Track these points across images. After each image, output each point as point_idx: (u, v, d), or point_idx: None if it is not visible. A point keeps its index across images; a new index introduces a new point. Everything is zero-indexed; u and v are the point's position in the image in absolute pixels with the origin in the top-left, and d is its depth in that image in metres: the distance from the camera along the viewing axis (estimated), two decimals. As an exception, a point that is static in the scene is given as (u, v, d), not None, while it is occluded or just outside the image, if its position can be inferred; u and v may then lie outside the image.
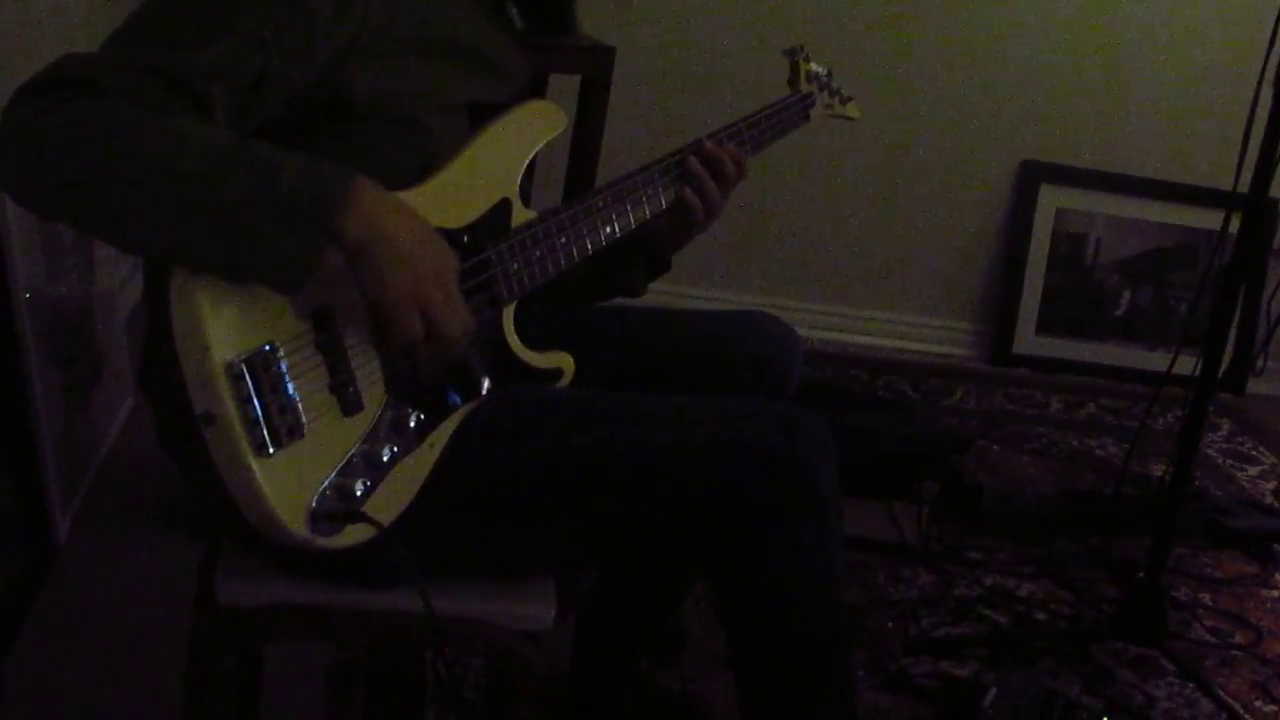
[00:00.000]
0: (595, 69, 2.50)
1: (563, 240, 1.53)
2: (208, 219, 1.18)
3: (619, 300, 1.78)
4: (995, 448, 3.25)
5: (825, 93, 1.95)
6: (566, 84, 2.51)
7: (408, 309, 1.27)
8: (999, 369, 3.84)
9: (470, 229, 1.44)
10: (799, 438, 1.45)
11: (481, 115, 1.50)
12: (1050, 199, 3.83)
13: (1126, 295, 3.89)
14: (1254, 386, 3.86)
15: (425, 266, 1.28)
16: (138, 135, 1.17)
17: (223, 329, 1.21)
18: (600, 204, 1.58)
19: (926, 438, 2.90)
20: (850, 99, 2.02)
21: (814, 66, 1.94)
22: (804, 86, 1.91)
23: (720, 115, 1.80)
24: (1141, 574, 2.33)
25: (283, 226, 1.19)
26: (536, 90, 1.65)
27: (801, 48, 1.93)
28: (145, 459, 2.47)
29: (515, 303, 1.52)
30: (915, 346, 3.90)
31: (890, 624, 2.41)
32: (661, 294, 1.78)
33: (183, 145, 1.18)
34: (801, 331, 1.81)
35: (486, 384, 1.48)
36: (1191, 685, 2.32)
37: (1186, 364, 2.30)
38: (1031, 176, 3.82)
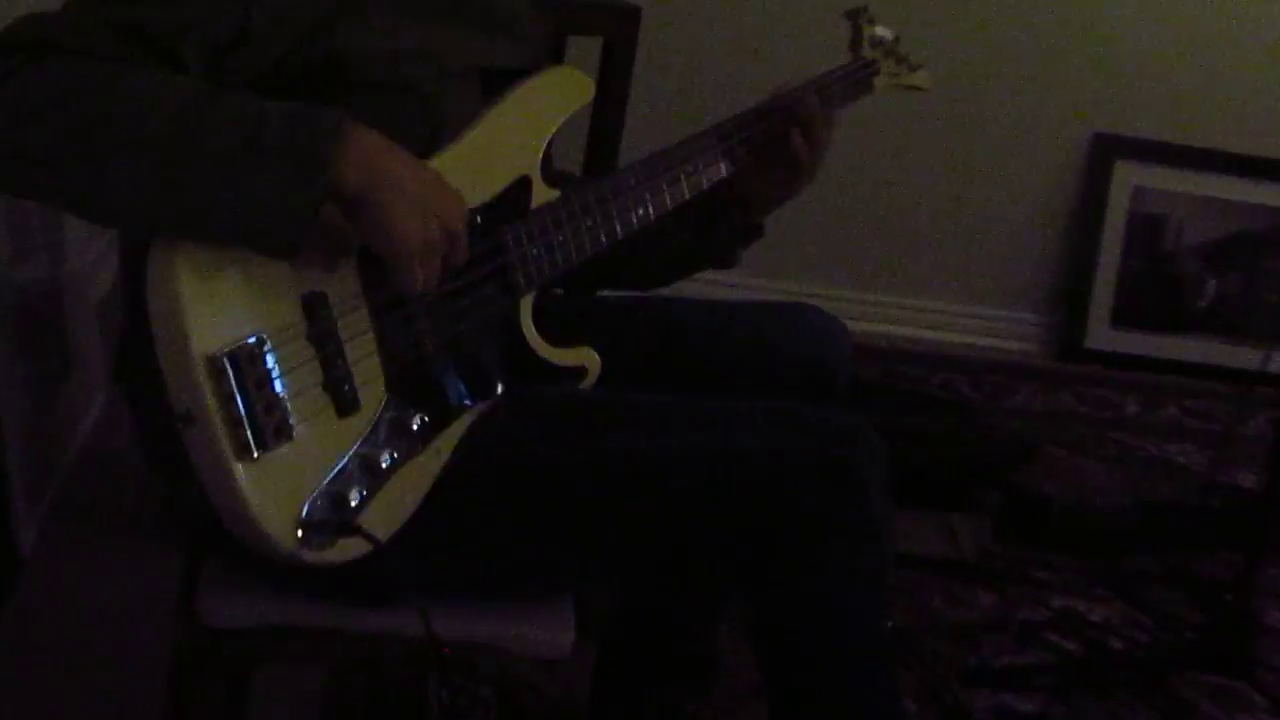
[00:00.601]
0: (619, 31, 2.50)
1: (589, 223, 1.53)
2: (187, 180, 1.19)
3: (648, 290, 1.78)
4: (1064, 454, 3.23)
5: (891, 60, 1.94)
6: (584, 49, 2.51)
7: (410, 258, 1.29)
8: (1068, 366, 3.82)
9: (485, 209, 1.43)
10: (848, 445, 1.45)
11: (496, 83, 1.49)
12: (1125, 176, 3.81)
13: (1211, 284, 3.86)
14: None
15: (432, 211, 1.29)
16: (104, 96, 1.18)
17: (205, 317, 1.21)
18: (633, 181, 1.57)
19: (987, 443, 2.89)
20: (919, 66, 1.99)
21: (879, 30, 1.92)
22: (867, 52, 1.90)
23: (762, 86, 1.79)
24: (1228, 596, 2.32)
25: (271, 181, 1.20)
26: (555, 55, 1.64)
27: (865, 8, 1.92)
28: (119, 460, 2.47)
29: (534, 293, 1.51)
30: (974, 341, 3.88)
31: (946, 651, 2.39)
32: (687, 282, 1.79)
33: (154, 101, 1.19)
34: (847, 323, 1.81)
35: (500, 383, 1.48)
36: (1284, 722, 2.30)
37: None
38: (1105, 151, 3.80)
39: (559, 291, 1.76)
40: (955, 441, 2.84)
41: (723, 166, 1.66)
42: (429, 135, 1.42)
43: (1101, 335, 3.85)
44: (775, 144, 1.67)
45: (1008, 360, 3.81)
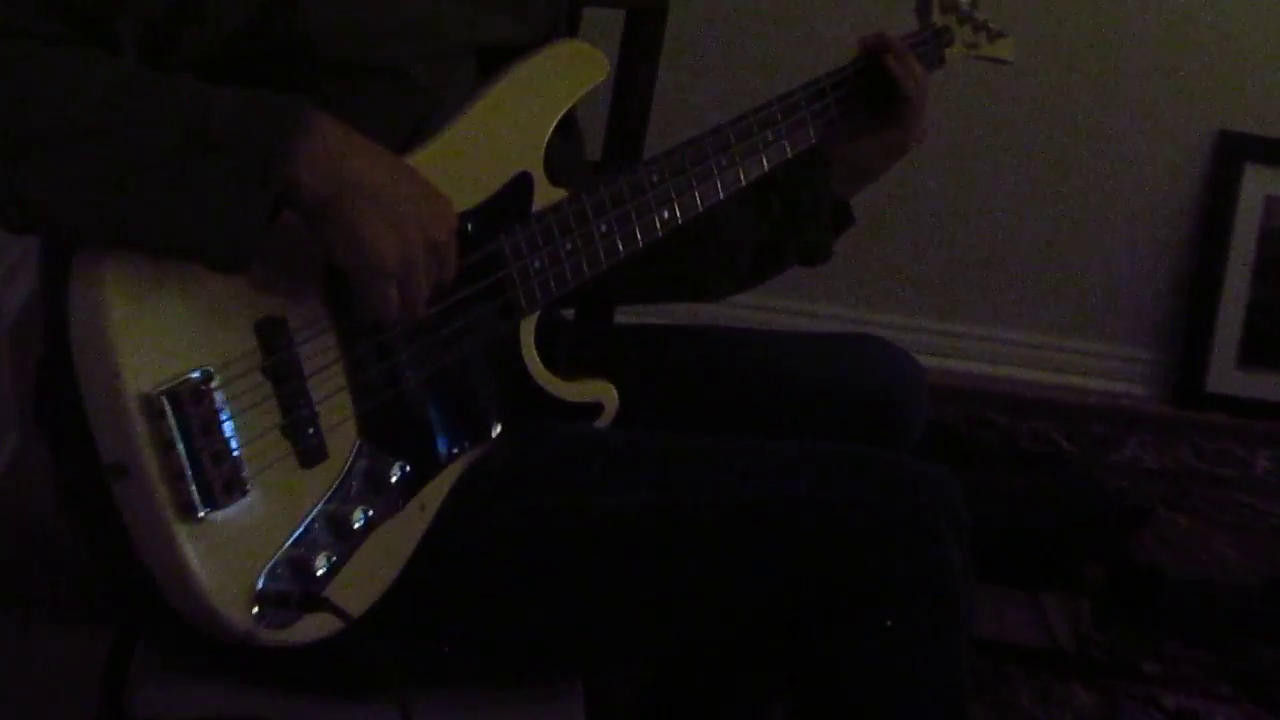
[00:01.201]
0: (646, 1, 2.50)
1: (603, 228, 1.54)
2: (115, 178, 1.20)
3: (677, 310, 1.80)
4: (1180, 520, 3.21)
5: (967, 26, 1.96)
6: (604, 21, 2.51)
7: (383, 279, 1.29)
8: (1186, 413, 3.81)
9: (477, 213, 1.44)
10: (923, 501, 1.46)
11: (494, 63, 1.50)
12: (1258, 184, 3.80)
13: (1361, 316, 3.87)
14: None
15: (410, 220, 1.30)
16: (22, 79, 1.20)
17: (139, 347, 1.21)
18: (655, 178, 1.59)
19: (1087, 506, 2.88)
20: (1001, 35, 2.01)
21: None
22: (938, 18, 1.92)
23: (810, 64, 1.80)
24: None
25: (215, 181, 1.21)
26: (569, 27, 1.67)
27: None
28: (34, 516, 2.47)
29: (537, 314, 1.52)
30: (1072, 382, 3.88)
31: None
32: (723, 307, 1.81)
33: (77, 85, 1.20)
34: (918, 358, 1.83)
35: (497, 424, 1.48)
36: None
37: None
38: (1232, 153, 3.79)
39: (568, 313, 1.77)
40: (1048, 503, 2.84)
41: (811, 131, 1.72)
42: (414, 126, 1.43)
43: (1226, 377, 3.84)
44: (879, 97, 1.75)
45: (1113, 406, 3.80)
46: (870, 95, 1.78)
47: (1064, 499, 2.88)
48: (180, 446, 1.22)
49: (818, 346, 1.79)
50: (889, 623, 1.45)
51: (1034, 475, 2.96)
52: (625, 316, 1.98)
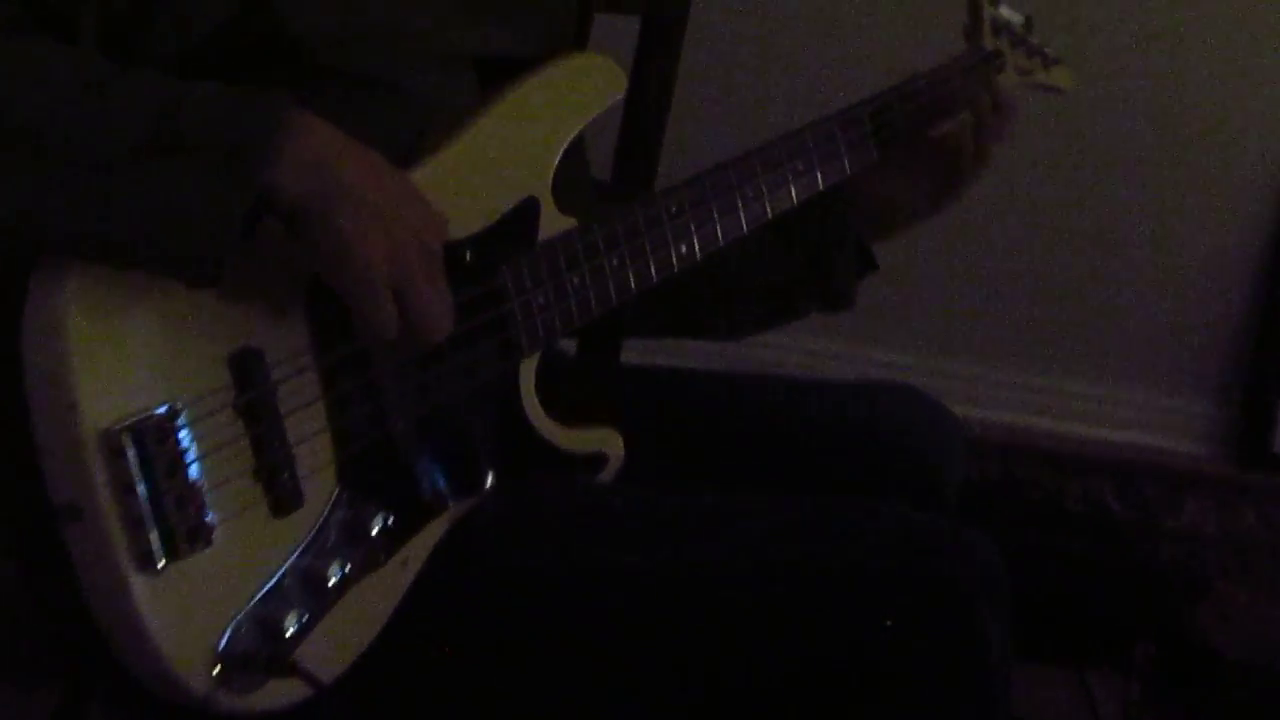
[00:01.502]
0: (664, 7, 2.51)
1: (614, 262, 1.54)
2: (75, 180, 1.20)
3: (688, 351, 1.80)
4: (1241, 594, 3.22)
5: (1021, 51, 1.96)
6: (614, 30, 2.52)
7: (379, 289, 1.28)
8: (1250, 475, 3.80)
9: (477, 241, 1.45)
10: (957, 569, 1.46)
11: (497, 75, 1.51)
12: (1334, 223, 3.82)
13: None
14: None
15: (403, 226, 1.29)
16: None
17: (101, 377, 1.21)
18: (673, 208, 1.59)
19: (1138, 576, 2.90)
20: (1057, 61, 2.02)
21: (1004, 12, 1.95)
22: (989, 41, 1.92)
23: (845, 87, 1.80)
24: None
25: (185, 182, 1.20)
26: (578, 37, 1.68)
27: None
28: None
29: (539, 354, 1.52)
30: (1124, 437, 3.87)
31: None
32: (736, 345, 1.81)
33: (35, 77, 1.21)
34: (954, 408, 1.83)
35: (491, 474, 1.48)
36: None
37: None
38: (1307, 189, 3.80)
39: (571, 352, 1.77)
40: (1096, 573, 2.84)
41: (846, 164, 1.71)
42: (410, 140, 1.43)
43: (1296, 435, 3.85)
44: (929, 133, 1.75)
45: (1169, 465, 3.79)
46: (912, 130, 1.78)
47: (1113, 568, 2.88)
48: (141, 489, 1.21)
49: (844, 395, 1.80)
50: (917, 702, 1.45)
51: (1081, 541, 2.96)
52: (634, 355, 1.98)
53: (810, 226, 1.74)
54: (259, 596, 1.30)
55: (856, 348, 3.70)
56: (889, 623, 1.43)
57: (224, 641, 1.27)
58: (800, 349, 3.58)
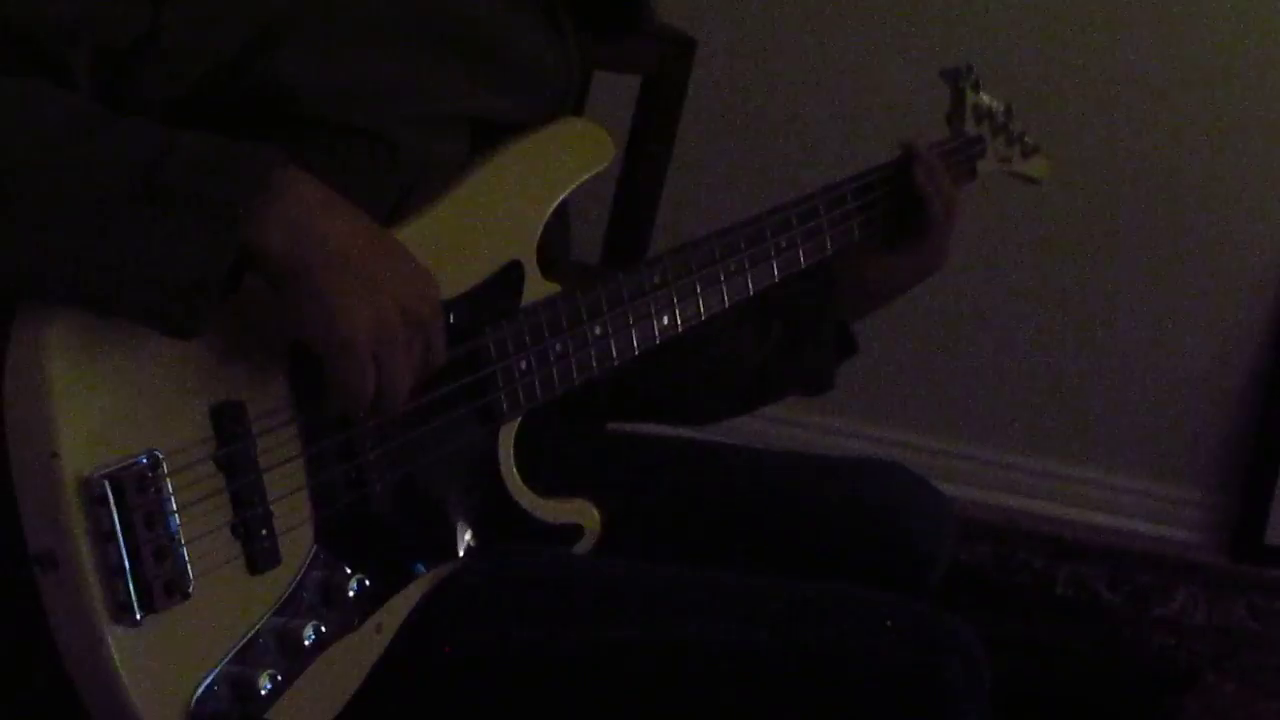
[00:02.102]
0: (664, 69, 2.51)
1: (597, 331, 1.56)
2: (58, 226, 1.19)
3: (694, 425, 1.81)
4: (1229, 687, 3.21)
5: (1001, 138, 1.99)
6: (615, 91, 2.52)
7: (358, 358, 1.28)
8: (1242, 566, 3.80)
9: (461, 303, 1.46)
10: (938, 653, 1.46)
11: (489, 137, 1.52)
12: (1331, 313, 3.83)
13: None
14: None
15: (388, 294, 1.29)
16: None
17: (83, 424, 1.21)
18: (656, 279, 1.61)
19: (1125, 665, 2.87)
20: (1036, 149, 2.06)
21: (985, 98, 1.98)
22: (971, 126, 1.94)
23: (836, 160, 1.82)
24: None
25: (168, 234, 1.20)
26: (577, 97, 1.70)
27: (969, 68, 1.97)
28: None
29: (519, 420, 1.54)
30: (1115, 523, 3.87)
31: None
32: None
33: (23, 118, 1.20)
34: (947, 487, 1.84)
35: (466, 539, 1.49)
36: None
37: None
38: (1304, 278, 3.81)
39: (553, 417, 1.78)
40: (1082, 662, 2.82)
41: (828, 241, 1.73)
42: (398, 197, 1.44)
43: (1289, 528, 3.85)
44: (903, 212, 1.76)
45: (1161, 553, 3.79)
46: (894, 209, 1.80)
47: (1100, 657, 2.86)
48: (120, 539, 1.21)
49: (832, 471, 1.80)
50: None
51: (1069, 628, 2.95)
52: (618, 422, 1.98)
53: (789, 308, 1.76)
54: (233, 654, 1.29)
55: (850, 423, 3.69)
56: (866, 711, 1.44)
57: (196, 699, 1.26)
58: (791, 422, 3.58)
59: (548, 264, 1.55)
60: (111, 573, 1.21)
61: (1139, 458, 3.89)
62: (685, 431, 1.88)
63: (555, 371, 1.52)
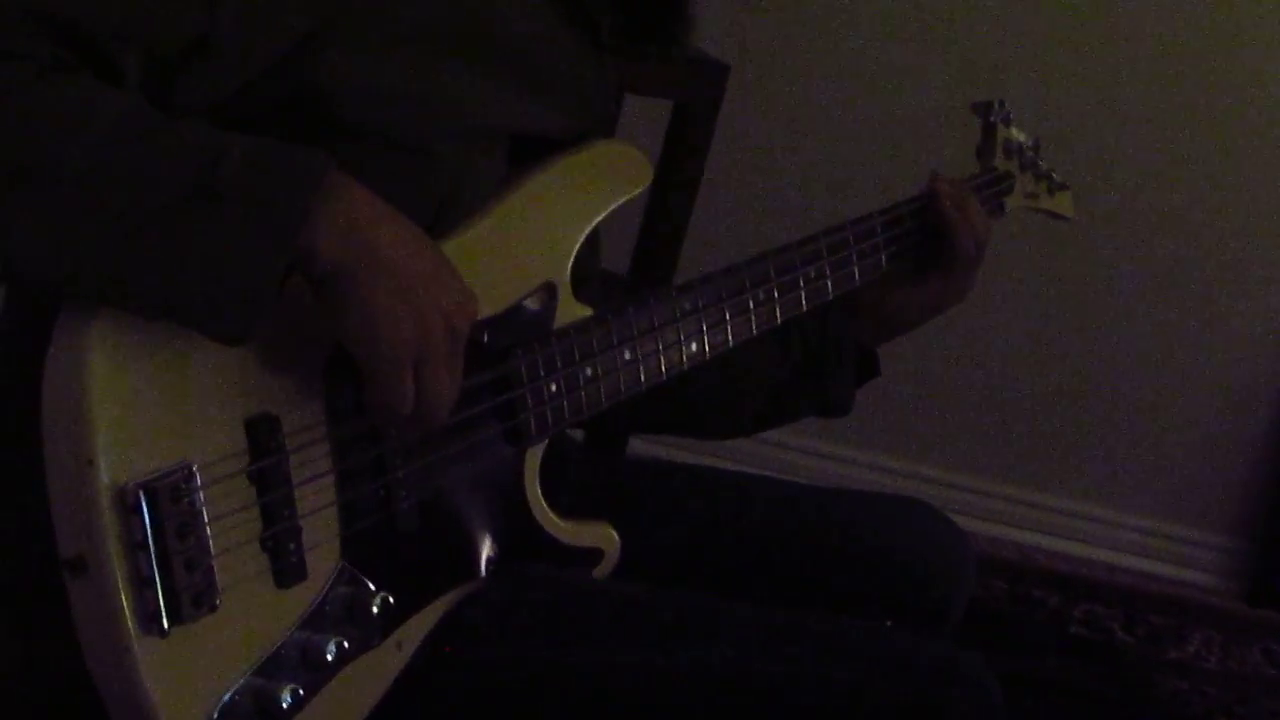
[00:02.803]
0: (697, 93, 2.52)
1: (626, 355, 1.57)
2: (110, 228, 1.20)
3: (697, 446, 1.81)
4: (1242, 734, 3.23)
5: (1029, 174, 2.00)
6: (644, 113, 2.51)
7: (401, 366, 1.29)
8: (1259, 612, 3.80)
9: (494, 323, 1.47)
10: (952, 689, 1.48)
11: (526, 152, 1.54)
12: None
13: None
14: None
15: (432, 305, 1.30)
16: (11, 107, 1.19)
17: (120, 431, 1.22)
18: (687, 306, 1.62)
19: (1135, 707, 2.87)
20: (1063, 187, 2.06)
21: (1015, 133, 1.98)
22: (1000, 162, 1.95)
23: (869, 190, 1.82)
24: None
25: (222, 237, 1.21)
26: (610, 118, 1.72)
27: (1000, 103, 1.98)
28: None
29: (545, 442, 1.56)
30: (1132, 564, 3.87)
31: None
32: (746, 443, 1.82)
33: (78, 120, 1.20)
34: (965, 523, 1.85)
35: (488, 558, 1.51)
36: None
37: None
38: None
39: (577, 439, 1.78)
40: (1095, 700, 2.82)
41: (856, 272, 1.74)
42: (435, 209, 1.45)
43: (1307, 576, 3.85)
44: (934, 244, 1.77)
45: (1177, 596, 3.80)
46: (921, 242, 1.81)
47: (1111, 697, 2.86)
48: (153, 549, 1.22)
49: (856, 505, 1.81)
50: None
51: (1081, 667, 2.95)
52: (644, 447, 1.98)
53: (810, 330, 1.77)
54: (257, 667, 1.30)
55: (872, 455, 3.70)
56: None
57: (218, 712, 1.27)
58: (816, 453, 3.59)
59: (578, 284, 1.56)
60: (141, 582, 1.22)
61: (1158, 500, 3.89)
62: (709, 459, 1.88)
63: (584, 395, 1.54)
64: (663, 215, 2.52)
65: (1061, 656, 2.98)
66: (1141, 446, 3.87)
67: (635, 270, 2.59)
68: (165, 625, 1.23)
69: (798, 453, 3.58)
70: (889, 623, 1.68)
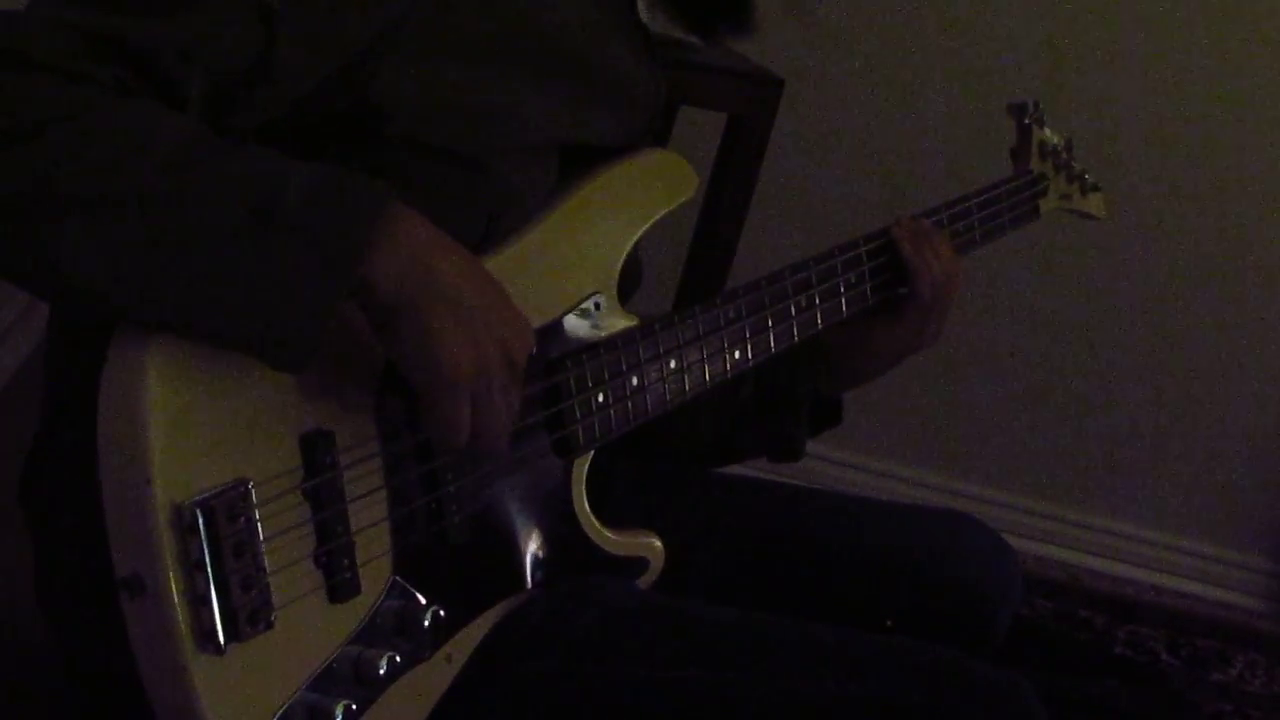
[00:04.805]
0: (752, 108, 2.52)
1: (672, 364, 1.60)
2: (169, 255, 1.21)
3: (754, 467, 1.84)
4: (1291, 757, 3.24)
5: (1062, 175, 2.01)
6: (697, 124, 2.52)
7: (459, 396, 1.31)
8: (1307, 633, 3.83)
9: (541, 335, 1.49)
10: (997, 711, 1.49)
11: (576, 160, 1.57)
12: None
13: None
14: None
15: (490, 335, 1.32)
16: (77, 129, 1.20)
17: (176, 451, 1.24)
18: (731, 314, 1.65)
19: (1180, 728, 2.89)
20: (1096, 188, 2.08)
21: (1049, 134, 2.00)
22: (1035, 164, 1.97)
23: (915, 197, 1.83)
24: None
25: (282, 267, 1.23)
26: (662, 130, 1.72)
27: (1035, 104, 2.00)
28: (5, 620, 2.45)
29: (592, 453, 1.58)
30: (1176, 585, 3.87)
31: None
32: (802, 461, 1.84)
33: (138, 144, 1.22)
34: (1012, 540, 1.89)
35: (537, 570, 1.53)
36: None
37: None
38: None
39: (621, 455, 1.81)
40: (1137, 720, 2.83)
41: (843, 304, 1.75)
42: (487, 221, 1.47)
43: (1361, 592, 3.85)
44: (894, 287, 1.77)
45: (1223, 618, 3.81)
46: (881, 284, 1.79)
47: (1157, 718, 2.87)
48: (209, 568, 1.24)
49: (904, 520, 1.83)
50: None
51: (1125, 689, 2.96)
52: None
53: (763, 372, 1.76)
54: (310, 683, 1.33)
55: (921, 473, 3.70)
56: None
57: None
58: (864, 468, 3.59)
59: (623, 294, 1.59)
60: (198, 601, 1.24)
61: (1205, 522, 3.90)
62: (758, 472, 1.89)
63: (630, 406, 1.56)
64: (713, 228, 2.52)
65: (1106, 678, 2.98)
66: (1190, 469, 3.88)
67: (685, 282, 2.61)
68: (221, 643, 1.25)
69: (846, 468, 3.59)
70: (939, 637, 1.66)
